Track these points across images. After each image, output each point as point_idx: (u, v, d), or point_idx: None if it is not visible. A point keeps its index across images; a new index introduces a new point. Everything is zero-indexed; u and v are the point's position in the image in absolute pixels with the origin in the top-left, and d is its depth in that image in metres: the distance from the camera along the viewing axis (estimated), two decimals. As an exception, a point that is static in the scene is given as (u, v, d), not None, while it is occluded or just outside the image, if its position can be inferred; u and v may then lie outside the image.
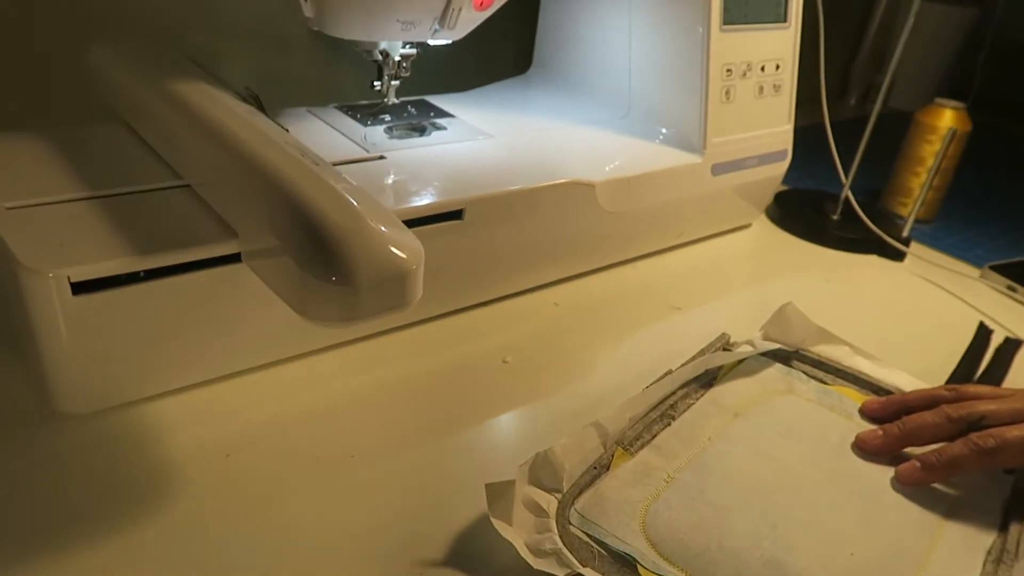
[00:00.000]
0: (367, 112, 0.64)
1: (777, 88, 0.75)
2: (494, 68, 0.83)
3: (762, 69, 0.72)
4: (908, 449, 0.47)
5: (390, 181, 0.54)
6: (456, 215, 0.53)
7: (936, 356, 0.62)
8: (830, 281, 0.74)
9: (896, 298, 0.73)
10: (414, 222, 0.51)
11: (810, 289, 0.72)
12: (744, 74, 0.71)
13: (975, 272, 0.80)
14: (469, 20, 0.58)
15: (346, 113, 0.64)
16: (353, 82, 0.75)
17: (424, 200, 0.52)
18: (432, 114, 0.67)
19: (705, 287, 0.69)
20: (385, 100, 0.64)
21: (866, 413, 0.51)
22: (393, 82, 0.63)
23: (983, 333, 0.67)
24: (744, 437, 0.48)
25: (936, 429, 0.47)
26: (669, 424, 0.48)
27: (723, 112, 0.70)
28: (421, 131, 0.63)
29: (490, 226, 0.55)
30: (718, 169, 0.71)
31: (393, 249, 0.39)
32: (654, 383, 0.51)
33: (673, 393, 0.50)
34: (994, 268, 0.79)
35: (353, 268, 0.37)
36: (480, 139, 0.64)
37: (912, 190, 0.90)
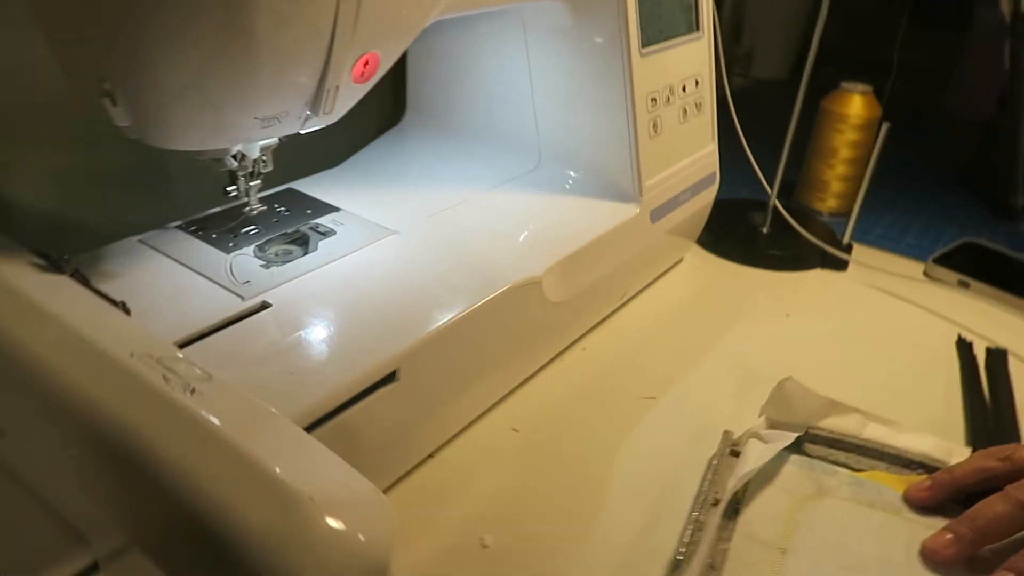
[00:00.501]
0: (225, 229, 0.48)
1: (699, 107, 0.65)
2: (356, 121, 0.68)
3: (683, 89, 0.62)
4: None
5: (286, 348, 0.39)
6: (388, 379, 0.39)
7: (923, 380, 0.58)
8: (791, 315, 0.66)
9: (858, 320, 0.66)
10: (335, 410, 0.37)
11: (774, 330, 0.63)
12: (668, 100, 0.60)
13: (918, 269, 0.75)
14: (349, 97, 0.44)
15: (196, 235, 0.48)
16: (193, 179, 0.58)
17: (342, 373, 0.37)
18: (310, 212, 0.52)
19: (667, 359, 0.59)
20: (248, 209, 0.48)
21: (913, 502, 0.44)
22: (253, 182, 0.47)
23: (965, 348, 0.61)
24: None
25: (1012, 521, 0.39)
26: None
27: (653, 148, 0.59)
28: (304, 244, 0.48)
29: (429, 374, 0.42)
30: (656, 215, 0.61)
31: (357, 536, 0.25)
32: (688, 541, 0.41)
33: (707, 542, 0.41)
34: (937, 261, 0.74)
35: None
36: (382, 240, 0.50)
37: (828, 183, 0.84)
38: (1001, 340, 0.62)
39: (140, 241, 0.47)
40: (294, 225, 0.50)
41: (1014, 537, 0.40)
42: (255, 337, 0.39)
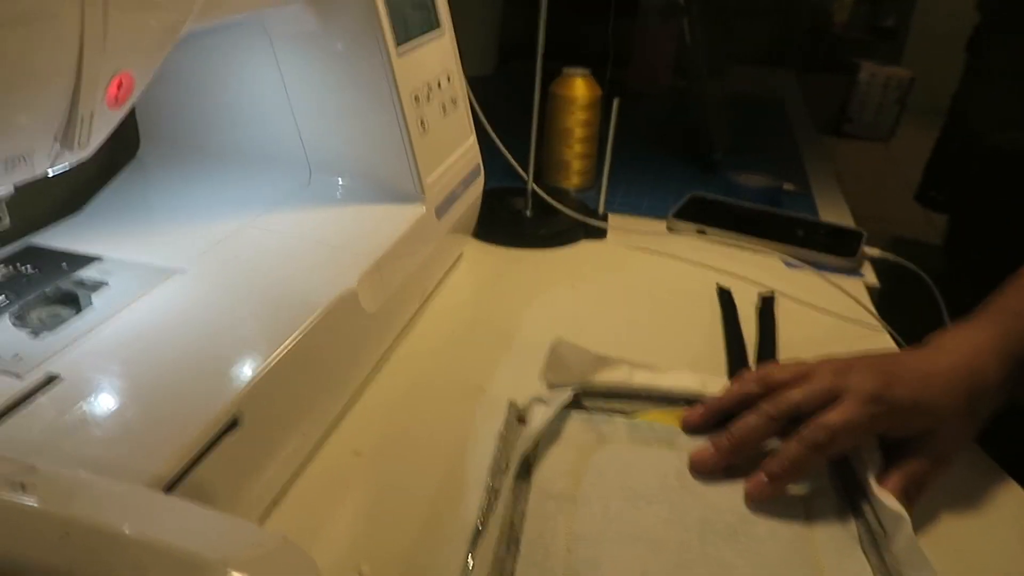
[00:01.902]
0: (-39, 302, 0.40)
1: (454, 102, 0.66)
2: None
3: (439, 85, 0.63)
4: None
5: (100, 421, 0.33)
6: (230, 426, 0.35)
7: (687, 322, 0.65)
8: (575, 286, 0.70)
9: (628, 278, 0.72)
10: (179, 475, 0.32)
11: (565, 305, 0.67)
12: (428, 97, 0.60)
13: (662, 225, 0.83)
14: (104, 125, 0.38)
15: (-77, 316, 0.39)
16: None
17: (180, 431, 0.32)
18: (65, 265, 0.44)
19: (481, 349, 0.59)
20: (-12, 275, 0.40)
21: (689, 427, 0.50)
22: (-11, 242, 0.40)
23: (724, 296, 0.69)
24: (599, 528, 0.42)
25: (763, 431, 0.46)
26: (518, 551, 0.40)
27: (425, 146, 0.59)
28: (73, 302, 0.41)
29: (272, 411, 0.38)
30: (440, 211, 0.61)
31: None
32: (483, 510, 0.42)
33: (504, 507, 0.42)
34: (676, 216, 0.83)
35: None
36: (165, 281, 0.44)
37: (569, 162, 0.90)
38: (738, 272, 0.72)
39: None
40: (52, 283, 0.42)
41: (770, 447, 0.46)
42: (53, 416, 0.33)
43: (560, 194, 0.83)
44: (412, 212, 0.57)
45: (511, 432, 0.48)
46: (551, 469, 0.45)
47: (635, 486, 0.44)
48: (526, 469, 0.45)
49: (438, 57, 0.63)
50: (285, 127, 0.58)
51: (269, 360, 0.37)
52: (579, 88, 0.86)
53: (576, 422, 0.49)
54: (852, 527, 0.42)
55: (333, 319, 0.43)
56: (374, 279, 0.49)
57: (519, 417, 0.50)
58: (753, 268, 0.74)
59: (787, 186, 0.93)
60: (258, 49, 0.55)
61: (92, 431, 0.32)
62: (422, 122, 0.59)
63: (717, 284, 0.70)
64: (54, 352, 0.37)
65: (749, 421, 0.46)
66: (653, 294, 0.69)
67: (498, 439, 0.47)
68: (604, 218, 0.80)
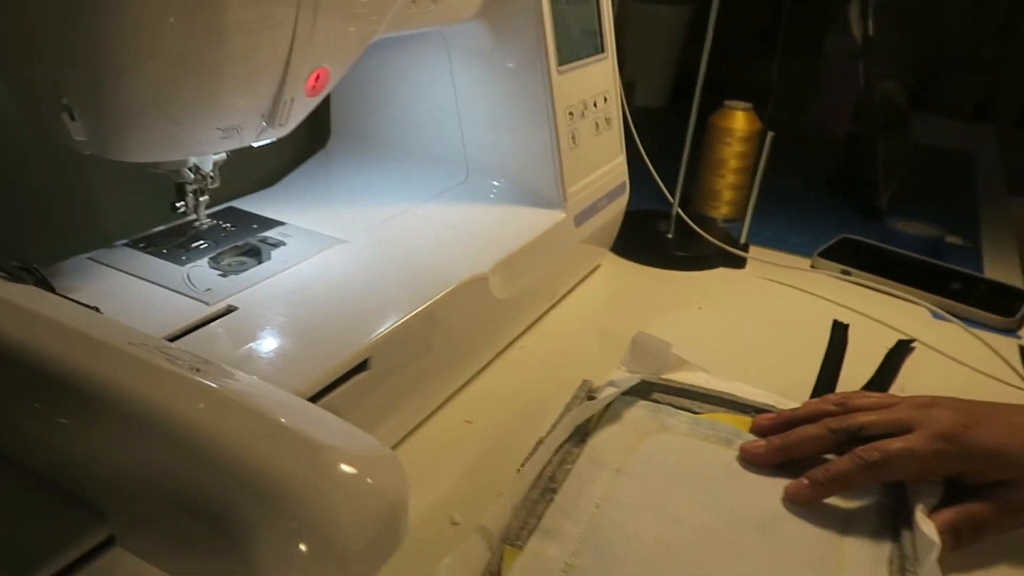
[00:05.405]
0: (174, 244, 0.49)
1: (608, 121, 0.71)
2: (279, 147, 0.69)
3: (595, 105, 0.68)
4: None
5: (260, 344, 0.41)
6: (360, 368, 0.41)
7: (800, 354, 0.64)
8: (703, 308, 0.72)
9: (758, 307, 0.73)
10: (314, 396, 0.38)
11: (690, 322, 0.69)
12: (583, 114, 0.65)
13: (806, 263, 0.83)
14: (302, 110, 0.46)
15: (145, 251, 0.48)
16: (127, 196, 0.58)
17: (318, 363, 0.39)
18: (256, 226, 0.53)
19: (599, 352, 0.63)
20: (197, 224, 0.49)
21: (757, 430, 0.51)
22: (202, 198, 0.49)
23: (839, 330, 0.68)
24: (632, 497, 0.45)
25: (819, 441, 0.47)
26: (552, 500, 0.44)
27: (573, 158, 0.64)
28: (256, 255, 0.50)
29: (397, 363, 0.44)
30: (580, 219, 0.65)
31: (369, 479, 0.27)
32: (528, 459, 0.46)
33: (549, 462, 0.46)
34: (821, 255, 0.83)
35: (335, 529, 0.25)
36: (332, 248, 0.52)
37: (719, 192, 0.92)
38: (876, 316, 0.71)
39: (89, 259, 0.47)
40: (243, 238, 0.51)
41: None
42: (227, 336, 0.41)
43: (705, 221, 0.85)
44: (552, 216, 0.62)
45: (576, 404, 0.52)
46: (605, 443, 0.49)
47: (679, 471, 0.46)
48: (582, 437, 0.49)
49: (598, 79, 0.68)
50: (451, 131, 0.65)
51: (400, 319, 0.44)
52: (739, 121, 0.88)
53: (642, 410, 0.52)
54: (886, 549, 0.42)
55: (462, 296, 0.49)
56: (506, 269, 0.54)
57: (589, 395, 0.53)
58: (894, 314, 0.72)
59: (951, 238, 0.89)
60: (438, 61, 0.63)
61: (253, 350, 0.39)
62: (573, 136, 0.64)
63: (834, 320, 0.69)
64: (236, 290, 0.45)
65: (807, 429, 0.47)
66: (774, 323, 0.70)
67: (564, 408, 0.52)
68: (745, 248, 0.81)
